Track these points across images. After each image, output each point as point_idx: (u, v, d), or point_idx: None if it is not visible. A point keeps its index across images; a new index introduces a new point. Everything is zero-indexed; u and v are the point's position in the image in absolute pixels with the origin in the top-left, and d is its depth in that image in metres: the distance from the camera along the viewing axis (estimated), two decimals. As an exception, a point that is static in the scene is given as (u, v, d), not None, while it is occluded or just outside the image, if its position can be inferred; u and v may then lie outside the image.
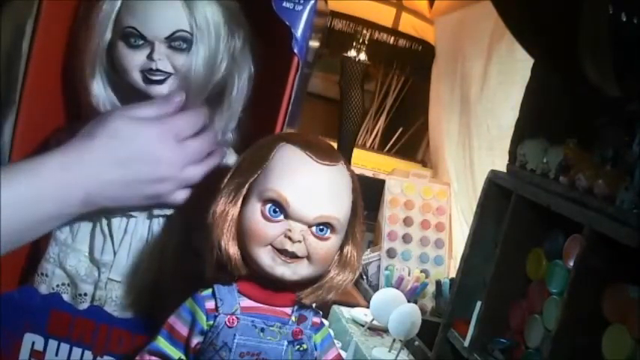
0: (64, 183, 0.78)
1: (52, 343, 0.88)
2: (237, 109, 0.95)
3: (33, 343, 0.88)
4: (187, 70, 0.88)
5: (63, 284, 0.92)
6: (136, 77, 0.88)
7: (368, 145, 2.51)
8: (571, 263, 0.99)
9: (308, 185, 0.75)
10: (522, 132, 1.18)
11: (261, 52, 0.95)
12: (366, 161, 2.29)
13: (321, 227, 0.76)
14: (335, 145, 1.61)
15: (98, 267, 0.91)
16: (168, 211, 0.91)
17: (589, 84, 0.90)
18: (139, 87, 0.89)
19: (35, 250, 0.95)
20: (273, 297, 0.78)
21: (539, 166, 1.08)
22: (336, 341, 0.93)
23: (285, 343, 0.78)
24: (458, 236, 1.86)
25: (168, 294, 0.88)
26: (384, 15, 2.12)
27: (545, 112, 1.16)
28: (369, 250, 1.86)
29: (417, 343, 1.35)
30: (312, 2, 0.87)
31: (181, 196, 0.87)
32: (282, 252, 0.75)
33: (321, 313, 0.83)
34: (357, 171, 1.20)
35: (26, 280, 0.95)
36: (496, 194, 1.17)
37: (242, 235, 0.77)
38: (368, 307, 1.38)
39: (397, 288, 1.52)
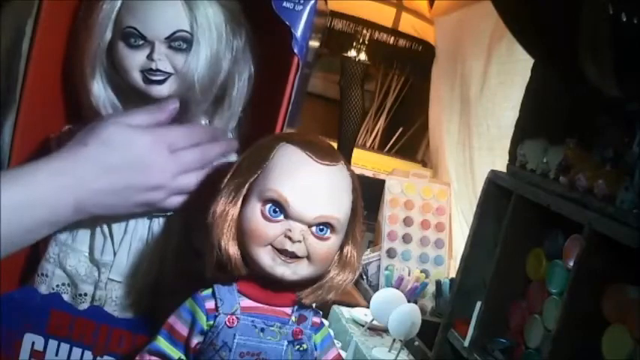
0: (56, 190, 0.78)
1: (52, 343, 0.88)
2: (237, 109, 0.95)
3: (33, 343, 0.88)
4: (191, 73, 0.87)
5: (63, 284, 0.92)
6: (136, 77, 0.88)
7: (368, 145, 2.51)
8: (571, 263, 0.99)
9: (308, 185, 0.75)
10: (522, 132, 1.18)
11: (261, 52, 0.95)
12: (366, 161, 2.29)
13: (321, 227, 0.76)
14: (335, 145, 1.61)
15: (98, 267, 0.91)
16: (169, 212, 0.91)
17: (589, 84, 0.90)
18: (139, 87, 0.89)
19: (35, 251, 0.95)
20: (273, 297, 0.78)
21: (539, 166, 1.08)
22: (336, 341, 0.93)
23: (285, 343, 0.78)
24: (458, 236, 1.85)
25: (169, 294, 0.88)
26: (384, 15, 2.12)
27: (545, 112, 1.16)
28: (369, 250, 1.86)
29: (417, 343, 1.35)
30: (312, 2, 0.87)
31: (173, 203, 0.87)
32: (282, 252, 0.75)
33: (321, 313, 0.83)
34: (357, 171, 1.20)
35: (26, 280, 0.95)
36: (496, 194, 1.17)
37: (242, 235, 0.77)
38: (368, 307, 1.38)
39: (397, 288, 1.52)
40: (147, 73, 0.88)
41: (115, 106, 0.92)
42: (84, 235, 0.91)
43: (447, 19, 2.12)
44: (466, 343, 1.13)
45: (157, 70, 0.87)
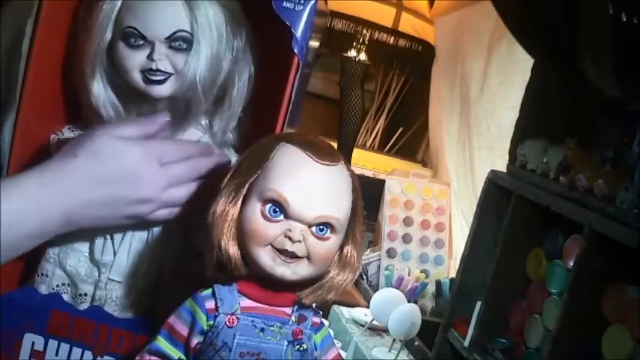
0: (45, 201, 0.78)
1: (52, 343, 0.88)
2: (237, 109, 0.95)
3: (33, 343, 0.88)
4: (192, 73, 0.87)
5: (63, 284, 0.92)
6: (136, 77, 0.88)
7: (368, 145, 2.51)
8: (571, 263, 0.99)
9: (308, 185, 0.75)
10: (522, 132, 1.18)
11: (261, 52, 0.95)
12: (366, 161, 2.29)
13: (321, 227, 0.76)
14: (335, 145, 1.61)
15: (98, 267, 0.91)
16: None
17: (589, 84, 0.90)
18: (139, 87, 0.89)
19: (35, 251, 0.95)
20: (273, 297, 0.78)
21: (539, 166, 1.08)
22: (336, 341, 0.93)
23: (285, 343, 0.78)
24: (458, 236, 1.85)
25: (169, 294, 0.88)
26: (384, 15, 2.12)
27: (545, 112, 1.16)
28: (369, 250, 1.86)
29: (417, 343, 1.35)
30: (313, 2, 0.87)
31: (162, 215, 0.87)
32: (282, 252, 0.75)
33: (321, 313, 0.83)
34: (357, 171, 1.20)
35: (26, 280, 0.95)
36: (496, 194, 1.17)
37: (242, 235, 0.77)
38: (368, 307, 1.38)
39: (397, 288, 1.52)
40: (147, 73, 0.88)
41: (115, 106, 0.92)
42: (84, 234, 0.91)
43: (447, 19, 2.12)
44: (466, 343, 1.12)
45: (157, 70, 0.87)
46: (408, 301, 1.32)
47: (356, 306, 1.51)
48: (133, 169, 0.82)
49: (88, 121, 0.94)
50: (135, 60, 0.88)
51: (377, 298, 1.33)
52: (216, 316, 0.76)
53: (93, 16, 0.88)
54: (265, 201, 0.75)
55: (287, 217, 0.75)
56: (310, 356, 0.80)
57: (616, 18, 0.80)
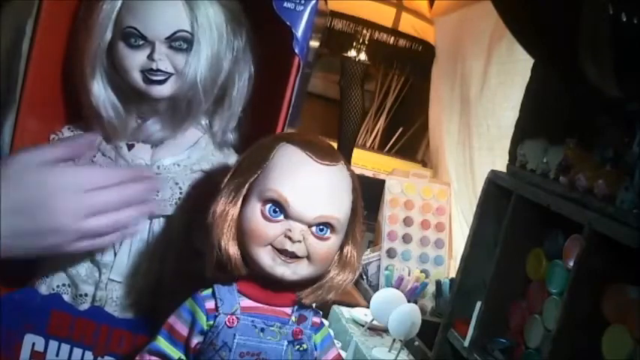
0: None
1: (53, 344, 0.88)
2: (237, 109, 0.95)
3: (33, 344, 0.88)
4: (192, 73, 0.87)
5: (63, 285, 0.91)
6: (137, 77, 0.88)
7: (368, 145, 2.51)
8: (571, 263, 0.99)
9: (308, 185, 0.75)
10: (522, 132, 1.18)
11: (261, 52, 0.95)
12: (366, 161, 2.29)
13: (321, 227, 0.76)
14: (335, 145, 1.61)
15: (99, 268, 0.91)
16: (169, 212, 0.91)
17: (589, 84, 0.90)
18: (139, 87, 0.89)
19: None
20: (273, 297, 0.78)
21: (539, 166, 1.08)
22: (336, 341, 0.93)
23: (285, 343, 0.78)
24: (458, 236, 1.85)
25: (169, 294, 0.88)
26: (384, 15, 2.12)
27: (545, 112, 1.16)
28: (369, 250, 1.86)
29: (417, 343, 1.35)
30: (313, 2, 0.87)
31: (83, 247, 0.81)
32: (282, 252, 0.75)
33: (321, 313, 0.83)
34: (357, 171, 1.20)
35: (26, 280, 0.95)
36: (496, 194, 1.17)
37: (242, 235, 0.77)
38: (368, 307, 1.38)
39: (397, 288, 1.52)
40: (147, 73, 0.88)
41: (115, 106, 0.92)
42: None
43: (447, 19, 2.12)
44: (466, 343, 1.13)
45: (158, 70, 0.87)
46: (408, 301, 1.32)
47: (356, 306, 1.52)
48: (46, 197, 0.76)
49: (88, 121, 0.94)
50: (135, 60, 0.88)
51: (377, 298, 1.33)
52: (216, 316, 0.76)
53: (93, 16, 0.88)
54: (265, 201, 0.75)
55: (287, 217, 0.75)
56: (310, 356, 0.80)
57: (616, 18, 0.80)
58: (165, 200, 0.91)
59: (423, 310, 1.45)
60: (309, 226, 0.75)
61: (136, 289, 0.91)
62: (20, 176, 0.77)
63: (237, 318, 0.76)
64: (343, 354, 0.88)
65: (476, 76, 1.84)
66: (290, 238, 0.75)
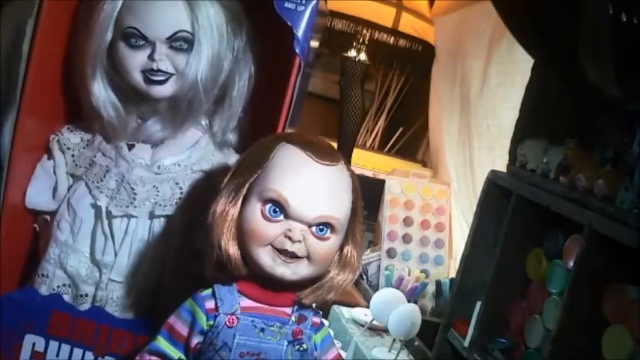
0: None
1: (53, 344, 0.89)
2: (237, 109, 0.96)
3: (34, 344, 0.88)
4: (193, 73, 0.87)
5: (64, 285, 0.91)
6: (137, 77, 0.88)
7: (368, 145, 2.51)
8: (571, 263, 0.99)
9: (308, 185, 0.76)
10: (522, 132, 1.18)
11: (262, 52, 0.95)
12: (366, 161, 2.29)
13: (321, 227, 0.76)
14: (335, 145, 1.61)
15: (99, 268, 0.91)
16: (169, 212, 0.91)
17: (589, 84, 0.90)
18: (140, 87, 0.89)
19: (35, 251, 0.95)
20: (273, 297, 0.78)
21: (539, 166, 1.08)
22: (336, 341, 0.93)
23: (285, 343, 0.78)
24: (458, 236, 1.85)
25: (169, 294, 0.88)
26: (384, 15, 2.12)
27: (545, 112, 1.15)
28: (369, 250, 1.86)
29: (417, 343, 1.35)
30: (314, 3, 0.87)
31: None
32: (282, 252, 0.75)
33: (321, 313, 0.83)
34: (357, 171, 1.20)
35: (26, 280, 0.95)
36: (496, 194, 1.17)
37: (242, 235, 0.77)
38: (368, 307, 1.38)
39: (397, 288, 1.52)
40: (148, 73, 0.88)
41: (116, 106, 0.92)
42: (85, 235, 0.91)
43: (447, 19, 2.12)
44: (466, 343, 1.12)
45: (158, 70, 0.87)
46: (408, 301, 1.32)
47: (356, 306, 1.51)
48: None
49: (88, 121, 0.94)
50: (136, 60, 0.88)
51: (377, 298, 1.33)
52: (216, 316, 0.76)
53: (93, 17, 0.89)
54: (265, 201, 0.75)
55: (287, 217, 0.75)
56: (310, 356, 0.80)
57: (616, 18, 0.80)
58: (166, 200, 0.91)
59: (423, 310, 1.45)
60: (309, 226, 0.75)
61: (137, 289, 0.91)
62: None
63: (237, 318, 0.76)
64: (343, 354, 0.88)
65: (476, 76, 1.84)
66: (290, 238, 0.75)
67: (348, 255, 0.81)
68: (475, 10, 1.89)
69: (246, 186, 0.78)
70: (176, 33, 0.87)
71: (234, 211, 0.77)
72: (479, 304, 1.12)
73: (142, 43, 0.87)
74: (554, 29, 0.95)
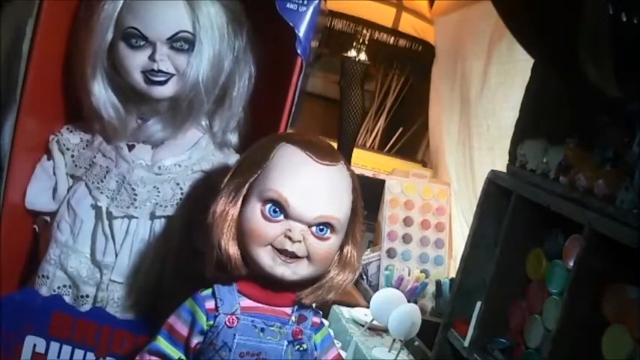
0: None
1: (54, 345, 0.88)
2: (237, 109, 0.95)
3: (34, 345, 0.88)
4: (194, 73, 0.87)
5: (64, 286, 0.91)
6: (138, 78, 0.88)
7: (368, 145, 2.51)
8: (571, 263, 0.99)
9: (308, 185, 0.76)
10: (522, 132, 1.18)
11: (262, 53, 0.95)
12: (366, 161, 2.29)
13: (321, 227, 0.76)
14: (335, 145, 1.61)
15: (100, 268, 0.91)
16: (170, 212, 0.91)
17: (589, 84, 0.90)
18: (140, 88, 0.89)
19: (35, 252, 0.95)
20: (273, 297, 0.78)
21: (539, 166, 1.08)
22: (336, 341, 0.93)
23: (285, 343, 0.78)
24: (458, 236, 1.85)
25: (169, 294, 0.88)
26: (384, 15, 2.12)
27: (545, 112, 1.15)
28: (369, 250, 1.86)
29: (417, 343, 1.35)
30: (316, 3, 0.87)
31: None
32: (282, 252, 0.75)
33: (321, 313, 0.83)
34: (357, 171, 1.20)
35: (26, 281, 0.95)
36: (496, 194, 1.17)
37: (242, 235, 0.77)
38: (368, 307, 1.38)
39: (397, 288, 1.52)
40: (148, 73, 0.88)
41: (116, 106, 0.92)
42: (85, 236, 0.91)
43: (447, 19, 2.12)
44: (466, 343, 1.12)
45: (159, 70, 0.87)
46: (408, 301, 1.32)
47: (356, 306, 1.51)
48: None
49: (88, 121, 0.94)
50: (136, 60, 0.88)
51: (377, 298, 1.33)
52: (216, 316, 0.76)
53: (94, 17, 0.88)
54: (265, 201, 0.75)
55: (287, 217, 0.75)
56: (310, 356, 0.80)
57: (616, 18, 0.80)
58: (167, 201, 0.91)
59: (423, 310, 1.45)
60: (309, 226, 0.75)
61: (137, 290, 0.91)
62: None
63: (237, 318, 0.76)
64: (343, 354, 0.88)
65: (476, 76, 1.84)
66: (290, 238, 0.75)
67: (348, 255, 0.81)
68: (475, 10, 1.89)
69: (246, 186, 0.78)
70: (177, 33, 0.87)
71: (234, 211, 0.77)
72: (479, 304, 1.12)
73: (142, 43, 0.87)
74: (554, 29, 0.95)
